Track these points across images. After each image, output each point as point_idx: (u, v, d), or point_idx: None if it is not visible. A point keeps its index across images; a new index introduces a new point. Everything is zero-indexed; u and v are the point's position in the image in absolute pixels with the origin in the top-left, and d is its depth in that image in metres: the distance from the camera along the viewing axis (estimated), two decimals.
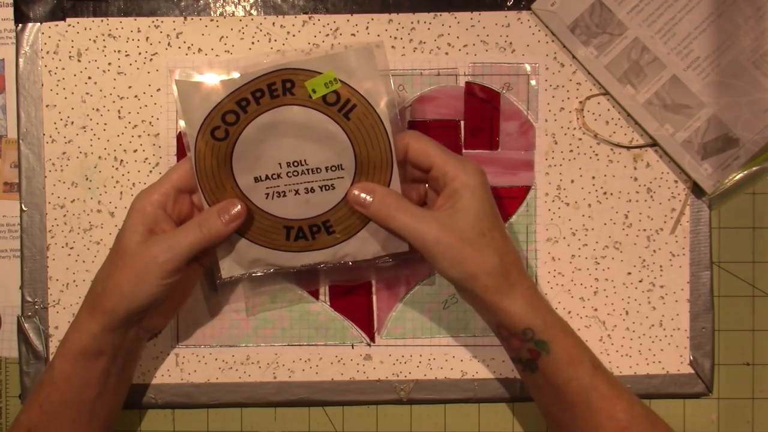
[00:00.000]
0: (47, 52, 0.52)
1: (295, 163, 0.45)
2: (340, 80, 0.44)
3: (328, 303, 0.52)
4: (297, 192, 0.46)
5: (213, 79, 0.44)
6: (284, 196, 0.46)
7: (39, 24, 0.52)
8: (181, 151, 0.52)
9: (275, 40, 0.52)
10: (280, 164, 0.45)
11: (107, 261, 0.45)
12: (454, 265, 0.42)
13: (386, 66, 0.45)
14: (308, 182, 0.45)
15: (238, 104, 0.44)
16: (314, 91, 0.44)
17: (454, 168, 0.43)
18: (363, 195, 0.44)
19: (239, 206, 0.45)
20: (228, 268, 0.47)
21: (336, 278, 0.52)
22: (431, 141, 0.45)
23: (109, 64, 0.52)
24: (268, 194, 0.46)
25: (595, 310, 0.52)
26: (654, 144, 0.51)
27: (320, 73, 0.44)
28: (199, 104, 0.44)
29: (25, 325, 0.52)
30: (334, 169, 0.45)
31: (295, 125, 0.45)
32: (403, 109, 0.52)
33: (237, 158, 0.45)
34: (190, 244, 0.43)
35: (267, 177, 0.45)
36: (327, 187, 0.45)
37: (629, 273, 0.52)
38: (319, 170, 0.45)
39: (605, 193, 0.52)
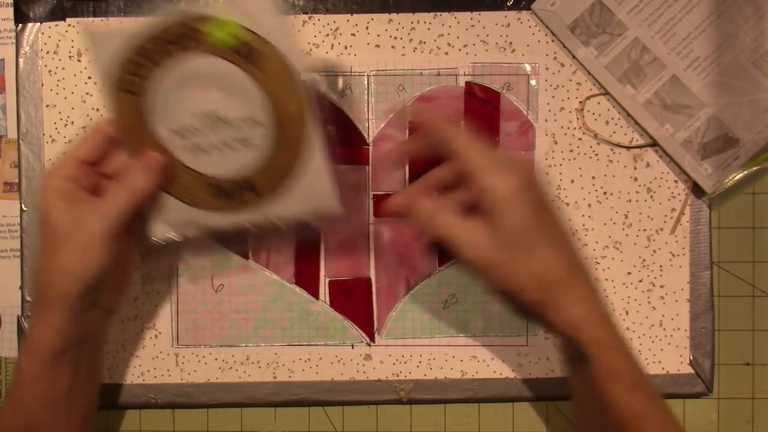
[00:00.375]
0: (47, 52, 0.52)
1: (212, 117, 0.44)
2: (246, 28, 0.42)
3: (328, 303, 0.52)
4: (216, 148, 0.45)
5: (121, 32, 0.43)
6: (205, 151, 0.45)
7: (39, 24, 0.52)
8: None
9: None
10: (196, 117, 0.44)
11: (42, 249, 0.43)
12: (494, 282, 0.41)
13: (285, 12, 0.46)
14: (226, 137, 0.44)
15: (149, 57, 0.43)
16: (221, 40, 0.42)
17: (485, 179, 0.40)
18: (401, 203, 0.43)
19: (157, 156, 0.44)
20: (158, 229, 0.47)
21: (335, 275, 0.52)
22: (459, 132, 0.42)
23: None
24: (188, 149, 0.45)
25: None
26: (654, 144, 0.51)
27: (224, 21, 0.42)
28: (109, 58, 0.44)
29: (25, 325, 0.52)
30: (251, 123, 0.44)
31: (208, 77, 0.43)
32: (403, 108, 0.52)
33: (152, 112, 0.44)
34: (120, 207, 0.42)
35: (185, 131, 0.44)
36: (246, 143, 0.44)
37: (629, 273, 0.52)
38: (235, 124, 0.44)
39: (605, 193, 0.52)
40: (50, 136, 0.52)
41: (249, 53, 0.42)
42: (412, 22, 0.52)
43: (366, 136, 0.52)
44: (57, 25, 0.52)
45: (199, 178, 0.45)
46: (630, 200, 0.52)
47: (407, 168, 0.52)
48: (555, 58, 0.52)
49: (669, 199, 0.52)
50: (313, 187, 0.44)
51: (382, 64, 0.52)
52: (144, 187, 0.43)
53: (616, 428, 0.41)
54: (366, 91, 0.52)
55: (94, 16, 0.52)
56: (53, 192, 0.43)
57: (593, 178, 0.52)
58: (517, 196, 0.40)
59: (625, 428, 0.40)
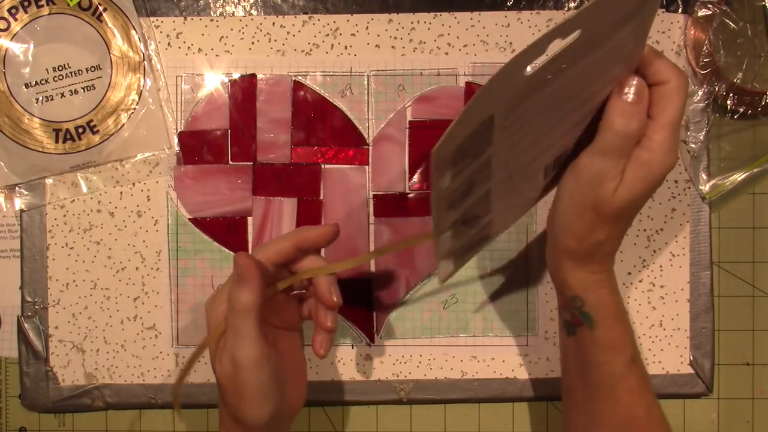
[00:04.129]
0: None
1: (60, 68, 0.48)
2: None
3: None
4: (63, 95, 0.48)
5: None
6: (52, 99, 0.48)
7: None
8: (182, 150, 0.52)
9: (275, 40, 0.52)
10: (47, 69, 0.48)
11: (221, 398, 0.41)
12: (566, 216, 0.40)
13: None
14: (72, 84, 0.48)
15: (9, 11, 0.48)
16: None
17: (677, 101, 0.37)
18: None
19: (248, 262, 0.38)
20: (2, 176, 0.50)
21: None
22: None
23: None
24: (38, 99, 0.48)
25: None
26: None
27: None
28: None
29: (25, 325, 0.52)
30: (93, 69, 0.48)
31: (57, 30, 0.48)
32: (403, 108, 0.52)
33: (7, 65, 0.48)
34: (248, 338, 0.38)
35: (36, 83, 0.48)
36: (88, 88, 0.48)
37: (629, 273, 0.52)
38: (80, 72, 0.48)
39: None
40: None
41: (95, 9, 0.47)
42: (412, 22, 0.52)
43: (366, 136, 0.52)
44: None
45: (47, 125, 0.48)
46: None
47: (407, 168, 0.52)
48: None
49: (669, 199, 0.52)
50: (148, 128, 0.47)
51: (382, 64, 0.52)
52: (251, 303, 0.38)
53: (604, 398, 0.42)
54: (366, 91, 0.52)
55: None
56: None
57: None
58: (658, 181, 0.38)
59: (617, 402, 0.41)
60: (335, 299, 0.41)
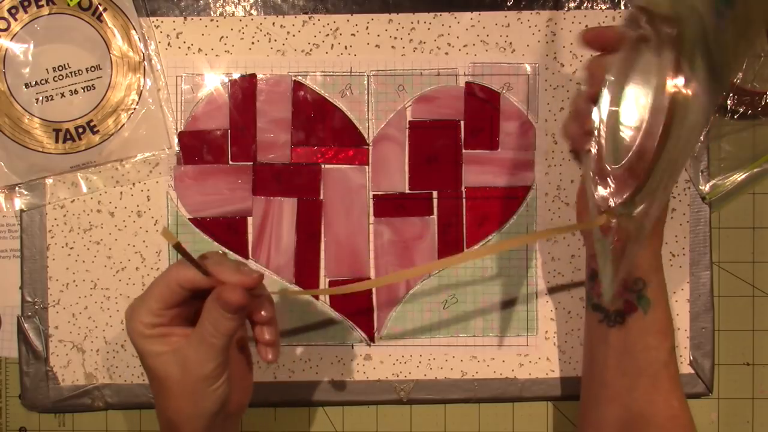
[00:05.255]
0: None
1: (60, 68, 0.48)
2: None
3: (328, 303, 0.52)
4: (63, 95, 0.48)
5: None
6: (52, 99, 0.48)
7: None
8: (182, 150, 0.52)
9: (275, 40, 0.52)
10: (47, 69, 0.49)
11: (154, 393, 0.40)
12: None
13: None
14: (72, 84, 0.48)
15: (9, 12, 0.47)
16: None
17: None
18: None
19: (252, 275, 0.38)
20: (2, 176, 0.49)
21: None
22: None
23: None
24: (38, 99, 0.48)
25: None
26: None
27: None
28: None
29: (25, 325, 0.52)
30: (93, 69, 0.48)
31: (57, 30, 0.48)
32: (403, 108, 0.52)
33: (7, 65, 0.48)
34: (222, 336, 0.37)
35: (36, 83, 0.48)
36: (88, 88, 0.48)
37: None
38: (80, 72, 0.48)
39: None
40: None
41: (95, 9, 0.47)
42: (412, 22, 0.52)
43: (366, 136, 0.52)
44: None
45: (46, 125, 0.49)
46: None
47: (407, 168, 0.52)
48: (555, 58, 0.52)
49: (669, 199, 0.52)
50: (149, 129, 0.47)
51: (382, 64, 0.52)
52: (239, 303, 0.37)
53: (647, 386, 0.42)
54: (366, 91, 0.52)
55: None
56: (140, 339, 0.38)
57: None
58: None
59: (658, 390, 0.42)
60: (264, 314, 0.40)
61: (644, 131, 0.36)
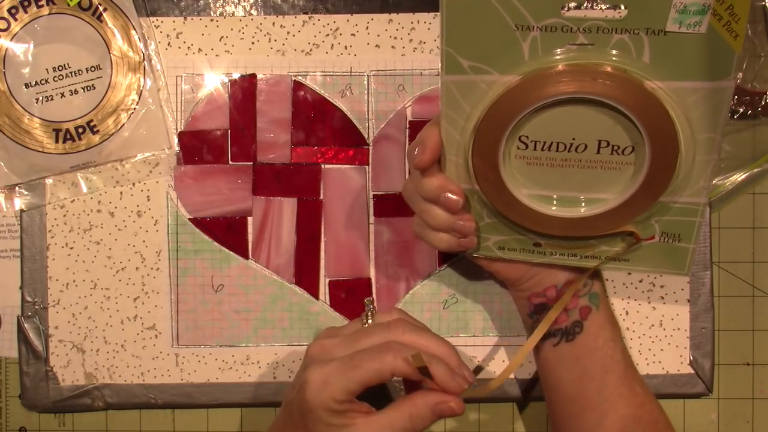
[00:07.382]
0: None
1: (60, 68, 0.48)
2: None
3: (328, 303, 0.52)
4: (63, 95, 0.48)
5: None
6: (52, 99, 0.48)
7: None
8: (182, 150, 0.52)
9: (275, 40, 0.52)
10: (47, 69, 0.49)
11: None
12: None
13: None
14: (72, 84, 0.48)
15: (9, 12, 0.47)
16: None
17: None
18: None
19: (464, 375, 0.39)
20: (2, 176, 0.50)
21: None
22: None
23: None
24: (38, 99, 0.48)
25: None
26: None
27: None
28: None
29: (25, 325, 0.52)
30: (93, 69, 0.48)
31: (57, 30, 0.48)
32: (403, 108, 0.52)
33: (7, 65, 0.48)
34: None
35: (36, 83, 0.48)
36: (88, 88, 0.48)
37: (629, 273, 0.52)
38: (80, 72, 0.48)
39: None
40: None
41: (95, 9, 0.48)
42: (412, 22, 0.52)
43: (366, 136, 0.52)
44: None
45: (46, 125, 0.49)
46: None
47: (407, 168, 0.52)
48: None
49: None
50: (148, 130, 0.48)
51: (382, 64, 0.52)
52: (459, 414, 0.38)
53: (617, 381, 0.43)
54: (366, 91, 0.52)
55: None
56: (326, 412, 0.38)
57: None
58: None
59: (632, 379, 0.44)
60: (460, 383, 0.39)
61: None
